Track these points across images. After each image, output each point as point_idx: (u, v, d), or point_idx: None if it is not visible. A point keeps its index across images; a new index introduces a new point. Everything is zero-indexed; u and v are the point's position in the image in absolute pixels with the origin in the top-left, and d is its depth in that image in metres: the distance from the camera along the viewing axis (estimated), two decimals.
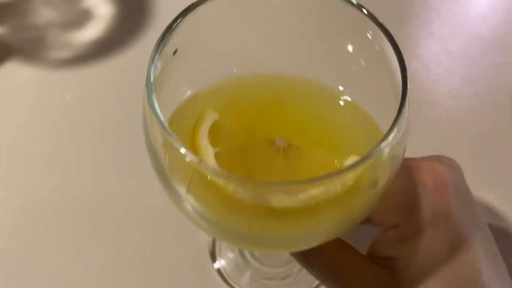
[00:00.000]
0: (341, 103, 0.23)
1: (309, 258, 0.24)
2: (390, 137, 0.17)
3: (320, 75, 0.22)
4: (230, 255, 0.33)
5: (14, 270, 0.33)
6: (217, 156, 0.18)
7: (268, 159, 0.18)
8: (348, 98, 0.22)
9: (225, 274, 0.32)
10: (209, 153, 0.18)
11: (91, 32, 0.47)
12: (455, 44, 0.49)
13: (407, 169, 0.24)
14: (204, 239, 0.34)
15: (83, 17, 0.48)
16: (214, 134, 0.17)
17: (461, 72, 0.46)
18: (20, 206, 0.35)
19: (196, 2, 0.18)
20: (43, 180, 0.37)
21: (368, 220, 0.24)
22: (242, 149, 0.16)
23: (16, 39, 0.46)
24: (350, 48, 0.21)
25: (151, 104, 0.17)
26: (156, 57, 0.18)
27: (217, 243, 0.33)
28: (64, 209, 0.35)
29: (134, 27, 0.47)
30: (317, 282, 0.32)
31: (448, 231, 0.22)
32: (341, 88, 0.22)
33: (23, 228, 0.34)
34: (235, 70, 0.22)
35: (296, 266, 0.33)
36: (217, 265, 0.32)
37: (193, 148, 0.17)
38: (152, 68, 0.18)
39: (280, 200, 0.16)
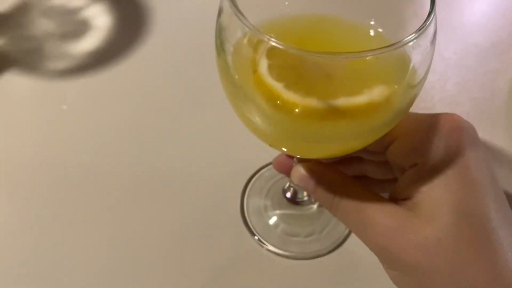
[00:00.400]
0: (374, 37, 0.26)
1: (334, 200, 0.26)
2: (415, 35, 0.20)
3: (357, 14, 0.26)
4: (259, 215, 0.37)
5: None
6: (269, 66, 0.21)
7: (310, 76, 0.22)
8: (380, 31, 0.26)
9: (254, 232, 0.36)
10: (263, 63, 0.21)
11: (88, 42, 0.47)
12: (450, 51, 0.49)
13: (426, 115, 0.26)
14: (236, 201, 0.37)
15: (80, 28, 0.49)
16: (271, 50, 0.20)
17: (456, 79, 0.47)
18: (19, 213, 0.36)
19: None
20: (40, 188, 0.37)
21: (390, 163, 0.27)
22: (290, 66, 0.21)
23: (14, 49, 0.47)
24: None
25: None
26: None
27: (246, 204, 0.37)
28: (67, 213, 0.36)
29: (130, 38, 0.48)
30: (338, 241, 0.35)
31: (460, 169, 0.24)
32: (372, 22, 0.26)
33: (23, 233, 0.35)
34: (288, 10, 0.27)
35: (319, 226, 0.36)
36: (247, 223, 0.36)
37: (252, 58, 0.21)
38: None
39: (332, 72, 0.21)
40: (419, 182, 0.24)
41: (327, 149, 0.26)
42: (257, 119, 0.23)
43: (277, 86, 0.21)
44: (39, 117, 0.42)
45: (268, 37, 0.19)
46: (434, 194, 0.23)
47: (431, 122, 0.25)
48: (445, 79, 0.47)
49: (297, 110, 0.21)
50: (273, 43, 0.19)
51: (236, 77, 0.23)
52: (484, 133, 0.43)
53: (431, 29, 0.21)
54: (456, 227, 0.23)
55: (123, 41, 0.48)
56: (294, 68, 0.22)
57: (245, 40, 0.21)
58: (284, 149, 0.27)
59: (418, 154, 0.25)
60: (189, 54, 0.48)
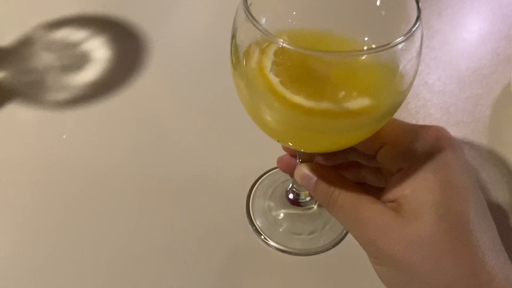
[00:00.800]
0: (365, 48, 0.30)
1: (332, 197, 0.29)
2: (401, 41, 0.23)
3: (353, 30, 0.30)
4: (264, 216, 0.39)
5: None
6: (273, 65, 0.25)
7: (308, 77, 0.25)
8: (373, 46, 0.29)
9: (260, 231, 0.38)
10: (269, 63, 0.25)
11: (88, 74, 0.49)
12: (434, 77, 0.52)
13: (415, 125, 0.29)
14: (242, 203, 0.40)
15: (80, 61, 0.51)
16: (278, 52, 0.25)
17: (440, 104, 0.49)
18: (21, 238, 0.37)
19: None
20: (41, 215, 0.38)
21: (379, 167, 0.30)
22: (291, 67, 0.25)
23: (17, 82, 0.49)
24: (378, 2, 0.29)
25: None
26: None
27: (252, 205, 0.40)
28: (69, 239, 0.37)
29: (128, 70, 0.50)
30: (339, 237, 0.38)
31: (442, 174, 0.26)
32: (366, 38, 0.30)
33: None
34: (294, 23, 0.30)
35: (320, 224, 0.39)
36: (253, 223, 0.39)
37: (262, 60, 0.26)
38: None
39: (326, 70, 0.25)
40: (404, 185, 0.26)
41: (320, 141, 0.29)
42: (265, 114, 0.27)
43: (275, 81, 0.25)
44: (40, 146, 0.43)
45: (280, 39, 0.22)
46: (417, 195, 0.26)
47: (419, 131, 0.28)
48: (429, 105, 0.49)
49: (288, 103, 0.25)
50: (284, 44, 0.22)
51: (249, 79, 0.27)
52: (466, 156, 0.44)
53: (418, 35, 0.24)
54: (436, 226, 0.24)
55: (121, 73, 0.50)
56: (295, 69, 0.25)
57: (258, 45, 0.25)
58: (290, 144, 0.31)
59: (403, 159, 0.27)
60: (185, 84, 0.50)
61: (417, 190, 0.26)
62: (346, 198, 0.28)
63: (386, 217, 0.26)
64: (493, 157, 0.44)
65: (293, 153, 0.36)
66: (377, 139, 0.29)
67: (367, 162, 0.33)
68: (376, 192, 0.32)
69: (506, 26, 0.59)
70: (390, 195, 0.27)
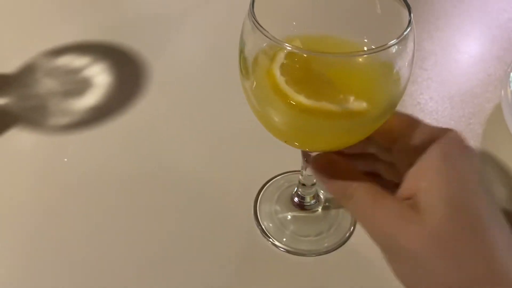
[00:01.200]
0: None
1: (349, 190, 0.29)
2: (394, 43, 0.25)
3: (354, 35, 0.32)
4: (270, 219, 0.41)
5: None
6: (280, 68, 0.27)
7: (313, 81, 0.28)
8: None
9: (268, 234, 0.40)
10: (277, 66, 0.27)
11: (88, 99, 0.51)
12: (426, 97, 0.53)
13: (431, 125, 0.30)
14: (250, 208, 0.42)
15: (81, 86, 0.52)
16: (289, 55, 0.26)
17: (432, 123, 0.50)
18: (22, 259, 0.37)
19: None
20: (42, 237, 0.39)
21: (393, 162, 0.31)
22: (296, 69, 0.27)
23: (20, 107, 0.50)
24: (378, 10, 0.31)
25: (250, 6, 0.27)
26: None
27: (259, 209, 0.42)
28: (70, 260, 0.37)
29: (128, 95, 0.51)
30: (345, 237, 0.40)
31: (457, 173, 0.27)
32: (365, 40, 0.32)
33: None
34: (294, 30, 0.32)
35: (326, 226, 0.41)
36: (261, 227, 0.40)
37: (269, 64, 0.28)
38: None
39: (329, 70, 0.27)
40: (419, 183, 0.27)
41: (321, 140, 0.31)
42: (274, 115, 0.29)
43: (281, 81, 0.27)
44: (42, 168, 0.44)
45: (287, 43, 0.24)
46: (433, 192, 0.26)
47: (433, 130, 0.29)
48: None
49: (290, 101, 0.27)
50: (288, 47, 0.24)
51: (258, 85, 0.29)
52: None
53: (410, 38, 0.26)
54: (453, 222, 0.25)
55: (121, 98, 0.51)
56: (300, 71, 0.27)
57: (265, 53, 0.27)
58: (296, 143, 0.32)
59: (417, 154, 0.28)
60: (184, 107, 0.51)
61: (433, 184, 0.27)
62: (363, 194, 0.28)
63: (403, 213, 0.26)
64: (486, 175, 0.45)
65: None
66: (394, 132, 0.30)
67: (383, 156, 0.33)
68: (389, 185, 0.33)
69: (496, 47, 0.60)
70: (406, 191, 0.28)
